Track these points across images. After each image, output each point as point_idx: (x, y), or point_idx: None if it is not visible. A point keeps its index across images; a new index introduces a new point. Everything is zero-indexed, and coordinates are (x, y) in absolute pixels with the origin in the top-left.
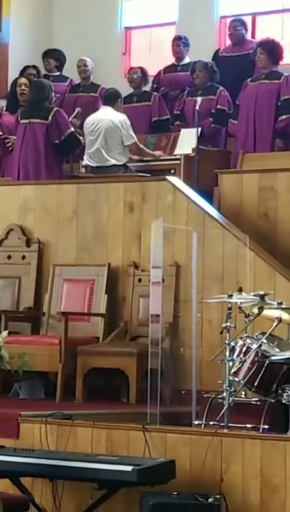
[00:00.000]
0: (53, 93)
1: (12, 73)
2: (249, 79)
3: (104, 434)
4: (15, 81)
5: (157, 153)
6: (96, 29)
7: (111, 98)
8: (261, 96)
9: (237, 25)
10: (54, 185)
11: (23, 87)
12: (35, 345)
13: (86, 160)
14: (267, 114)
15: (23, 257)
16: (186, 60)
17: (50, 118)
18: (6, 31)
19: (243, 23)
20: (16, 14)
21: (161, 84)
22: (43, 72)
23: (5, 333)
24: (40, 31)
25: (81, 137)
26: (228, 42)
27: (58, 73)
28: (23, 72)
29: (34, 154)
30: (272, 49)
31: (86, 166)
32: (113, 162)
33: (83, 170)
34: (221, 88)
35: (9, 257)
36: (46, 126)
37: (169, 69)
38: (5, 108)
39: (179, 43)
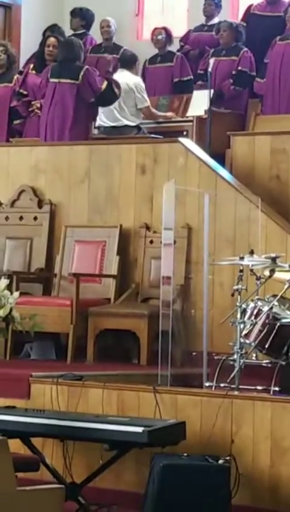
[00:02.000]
0: (83, 52)
1: (25, 34)
2: (278, 37)
3: (114, 395)
4: (44, 40)
5: (169, 114)
6: None
7: (128, 61)
8: (287, 56)
9: None
10: (66, 146)
11: (51, 47)
12: (47, 306)
13: (99, 121)
14: None
15: (35, 218)
16: (215, 20)
17: (80, 77)
18: None
19: None
20: None
21: (187, 43)
22: (66, 31)
23: (16, 294)
24: None
25: (116, 89)
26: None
27: (83, 31)
28: (45, 32)
29: (62, 114)
30: None
31: (98, 127)
32: (125, 122)
33: (95, 131)
34: (245, 49)
35: (21, 218)
36: (76, 86)
37: (197, 28)
38: (32, 67)
39: (211, 3)
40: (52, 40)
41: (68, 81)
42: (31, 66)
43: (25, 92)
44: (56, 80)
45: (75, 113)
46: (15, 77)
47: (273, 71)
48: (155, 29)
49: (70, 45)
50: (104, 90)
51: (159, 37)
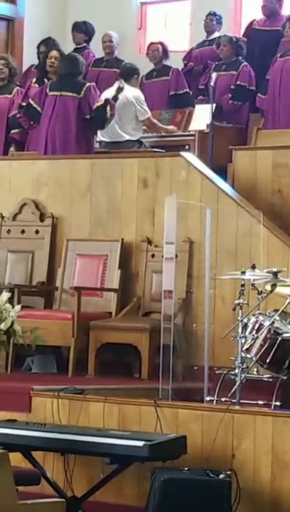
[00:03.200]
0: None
1: (28, 47)
2: (279, 54)
3: (116, 409)
4: (46, 53)
5: (170, 127)
6: (112, 3)
7: (127, 73)
8: (286, 72)
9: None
10: (68, 159)
11: (53, 59)
12: (48, 319)
13: (99, 136)
14: None
15: (37, 231)
16: (215, 34)
17: (82, 92)
18: (22, 5)
19: None
20: None
21: (190, 60)
22: (69, 44)
23: (18, 307)
24: (55, 5)
25: (109, 111)
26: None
27: (84, 45)
28: (40, 45)
29: (63, 127)
30: None
31: (100, 142)
32: (127, 137)
33: (97, 145)
34: (244, 63)
35: (22, 231)
36: (78, 100)
37: (199, 45)
38: (34, 80)
39: (213, 18)
40: (54, 53)
41: (70, 94)
42: (34, 79)
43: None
44: (57, 93)
45: (78, 126)
46: (15, 89)
47: (274, 87)
48: (151, 44)
49: (74, 61)
50: (96, 107)
51: (155, 51)
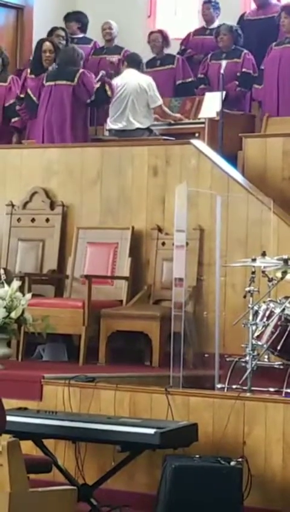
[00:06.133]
0: (82, 61)
1: (37, 35)
2: (274, 43)
3: (127, 397)
4: (40, 44)
5: (178, 115)
6: None
7: (136, 60)
8: (285, 61)
9: None
10: (78, 147)
11: (48, 53)
12: (59, 307)
13: (109, 124)
14: None
15: (47, 220)
16: (216, 23)
17: (76, 79)
18: None
19: None
20: None
21: (188, 46)
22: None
23: (28, 296)
24: None
25: (109, 90)
26: (253, 6)
27: (81, 35)
28: (51, 34)
29: (60, 115)
30: None
31: (109, 130)
32: (137, 125)
33: (106, 133)
34: (245, 51)
35: (33, 220)
36: (72, 87)
37: (198, 32)
38: (29, 71)
39: (209, 6)
40: (47, 45)
41: (64, 82)
42: (28, 70)
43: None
44: (52, 83)
45: (72, 114)
46: (9, 77)
47: (271, 77)
48: (151, 33)
49: (71, 53)
50: (96, 90)
51: (155, 40)
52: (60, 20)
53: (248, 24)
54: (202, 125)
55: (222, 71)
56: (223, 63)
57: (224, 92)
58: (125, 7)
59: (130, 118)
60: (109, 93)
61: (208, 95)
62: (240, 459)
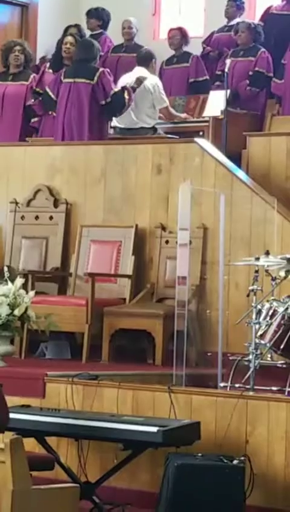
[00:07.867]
0: (100, 54)
1: (42, 33)
2: None
3: (129, 395)
4: (61, 39)
5: (183, 115)
6: None
7: (145, 59)
8: None
9: None
10: (82, 145)
11: (68, 45)
12: (62, 305)
13: (114, 121)
14: None
15: (51, 218)
16: (236, 20)
17: (96, 78)
18: None
19: None
20: None
21: (209, 45)
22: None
23: (31, 293)
24: None
25: (127, 97)
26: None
27: (100, 31)
28: (66, 32)
29: (78, 114)
30: None
31: (114, 128)
32: (141, 124)
33: (111, 131)
34: (262, 50)
35: (36, 217)
36: (91, 86)
37: (220, 29)
38: (48, 65)
39: (233, 4)
40: (69, 38)
41: (83, 80)
42: (47, 65)
43: (41, 91)
44: (71, 80)
45: (90, 112)
46: (31, 76)
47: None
48: (170, 30)
49: (89, 46)
50: (115, 93)
51: (174, 37)
52: (65, 18)
53: (272, 18)
54: (206, 124)
55: (226, 69)
56: (228, 61)
57: (229, 91)
58: (130, 5)
59: (133, 117)
60: (126, 100)
61: (213, 94)
62: (242, 458)
